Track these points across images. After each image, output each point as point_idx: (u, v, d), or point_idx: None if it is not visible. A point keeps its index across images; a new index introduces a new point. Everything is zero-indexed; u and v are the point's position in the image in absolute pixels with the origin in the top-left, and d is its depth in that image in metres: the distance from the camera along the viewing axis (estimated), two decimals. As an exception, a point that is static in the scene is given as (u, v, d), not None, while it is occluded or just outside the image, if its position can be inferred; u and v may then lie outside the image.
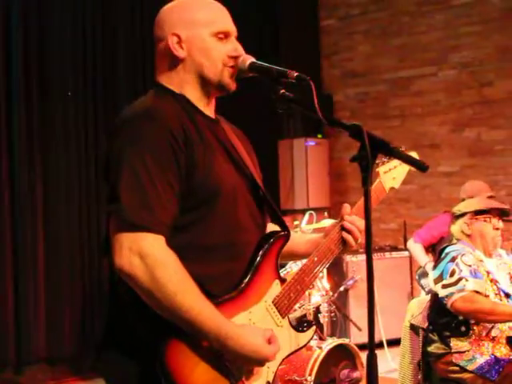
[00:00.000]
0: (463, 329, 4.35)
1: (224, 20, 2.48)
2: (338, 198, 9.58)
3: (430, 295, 4.67)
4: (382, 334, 7.63)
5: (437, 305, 4.46)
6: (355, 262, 8.11)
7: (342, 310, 7.41)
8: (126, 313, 2.30)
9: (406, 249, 7.61)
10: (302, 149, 9.51)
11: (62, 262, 7.30)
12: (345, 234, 2.61)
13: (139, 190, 2.18)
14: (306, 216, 6.51)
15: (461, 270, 4.33)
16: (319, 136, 9.67)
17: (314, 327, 2.61)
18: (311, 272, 2.55)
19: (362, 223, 2.61)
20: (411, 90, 9.46)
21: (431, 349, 4.44)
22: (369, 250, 2.11)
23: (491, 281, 4.40)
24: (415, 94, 9.43)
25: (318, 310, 5.70)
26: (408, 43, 9.46)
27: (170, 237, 2.23)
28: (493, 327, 4.31)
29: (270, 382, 2.41)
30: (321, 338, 5.38)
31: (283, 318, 2.45)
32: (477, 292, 4.28)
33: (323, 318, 5.69)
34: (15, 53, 7.04)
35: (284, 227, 2.54)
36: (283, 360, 2.49)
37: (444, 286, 4.35)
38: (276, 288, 2.45)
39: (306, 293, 5.28)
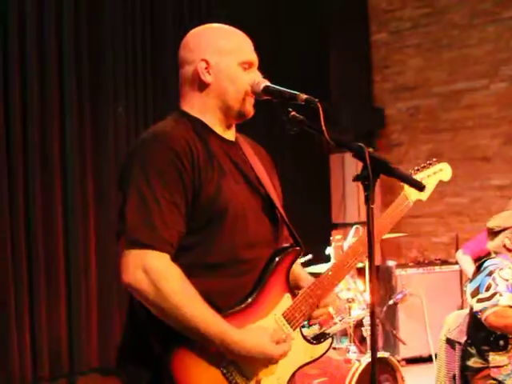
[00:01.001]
0: (502, 343, 4.35)
1: (249, 50, 2.60)
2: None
3: (468, 309, 4.68)
4: (431, 348, 7.61)
5: (475, 319, 4.46)
6: (404, 276, 8.13)
7: (386, 323, 7.42)
8: (139, 325, 2.42)
9: (456, 262, 7.58)
10: (353, 163, 9.55)
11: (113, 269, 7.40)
12: None
13: (144, 210, 2.31)
14: (353, 230, 6.55)
15: (497, 285, 4.33)
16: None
17: (330, 340, 2.70)
18: (324, 286, 2.61)
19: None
20: (462, 104, 9.43)
21: (469, 363, 4.44)
22: (372, 264, 2.18)
23: None
24: (466, 107, 9.40)
25: (360, 324, 5.73)
26: (459, 56, 9.44)
27: (178, 256, 2.35)
28: (531, 342, 4.32)
29: None
30: (361, 352, 5.42)
31: (294, 330, 2.54)
32: (511, 307, 4.28)
33: (366, 332, 5.71)
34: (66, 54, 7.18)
35: (298, 244, 2.62)
36: (294, 372, 2.58)
37: (479, 300, 4.36)
38: (287, 301, 2.54)
39: (346, 306, 5.34)
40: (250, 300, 2.45)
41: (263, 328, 2.43)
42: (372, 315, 2.21)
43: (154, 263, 2.29)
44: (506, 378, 4.29)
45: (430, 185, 3.02)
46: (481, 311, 4.33)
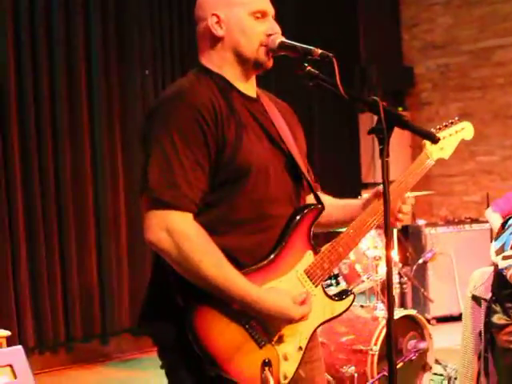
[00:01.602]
0: None
1: (260, 0, 2.55)
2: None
3: (493, 266, 4.67)
4: (461, 307, 7.61)
5: (499, 276, 4.45)
6: (434, 235, 8.11)
7: (415, 281, 7.42)
8: (164, 280, 2.45)
9: (487, 221, 7.53)
10: (382, 122, 9.50)
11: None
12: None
13: (167, 169, 2.33)
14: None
15: None
16: (400, 109, 9.64)
17: (351, 297, 2.67)
18: (346, 244, 2.61)
19: (406, 207, 2.71)
20: (492, 61, 9.34)
21: (494, 320, 4.44)
22: (387, 221, 2.18)
23: None
24: (496, 65, 9.30)
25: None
26: (488, 13, 9.33)
27: (201, 212, 2.38)
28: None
29: (303, 347, 2.52)
30: (388, 309, 5.43)
31: (316, 286, 2.54)
32: None
33: (393, 290, 5.73)
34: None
35: (319, 201, 2.63)
36: (317, 328, 2.59)
37: (504, 258, 4.35)
38: (309, 258, 2.54)
39: (373, 263, 5.35)
40: (272, 256, 2.46)
41: (286, 290, 2.43)
42: (389, 272, 2.20)
43: (177, 223, 2.31)
44: None
45: (452, 143, 2.92)
46: (506, 268, 4.32)
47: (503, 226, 4.56)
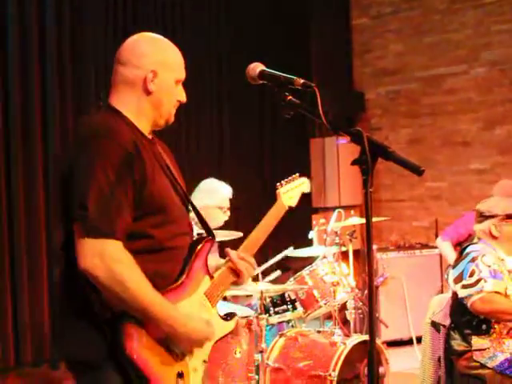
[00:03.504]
0: (484, 327, 4.40)
1: (183, 69, 2.87)
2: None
3: (451, 293, 4.72)
4: (411, 331, 7.69)
5: (458, 303, 4.51)
6: (385, 260, 8.17)
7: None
8: (84, 300, 2.64)
9: (436, 247, 7.63)
10: (333, 147, 9.59)
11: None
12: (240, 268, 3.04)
13: (103, 202, 2.53)
14: (335, 214, 6.59)
15: (480, 271, 4.37)
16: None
17: (236, 318, 3.09)
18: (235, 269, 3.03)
19: (250, 260, 3.09)
20: (443, 88, 9.49)
21: (453, 346, 4.49)
22: (369, 249, 2.20)
23: None
24: (447, 92, 9.45)
25: (344, 307, 5.77)
26: (439, 41, 9.48)
27: (127, 243, 2.61)
28: (514, 326, 4.37)
29: (206, 361, 2.90)
30: (346, 335, 5.45)
31: (213, 307, 2.92)
32: (496, 292, 4.33)
33: (350, 315, 5.76)
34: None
35: (210, 232, 2.98)
36: (215, 343, 2.98)
37: (464, 287, 4.40)
38: (207, 282, 2.91)
39: (331, 289, 5.37)
40: (179, 281, 2.77)
41: (199, 315, 2.79)
42: (370, 298, 2.22)
43: (110, 250, 2.52)
44: (488, 360, 4.35)
45: (297, 194, 3.44)
46: (466, 297, 4.37)
47: (460, 253, 4.62)
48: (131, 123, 2.73)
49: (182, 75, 2.84)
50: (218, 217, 5.51)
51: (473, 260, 4.44)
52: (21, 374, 6.91)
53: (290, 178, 3.46)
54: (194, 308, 2.80)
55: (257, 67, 2.59)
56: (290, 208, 3.40)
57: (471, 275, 4.39)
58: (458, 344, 4.47)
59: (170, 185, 2.79)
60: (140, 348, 2.60)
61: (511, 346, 4.36)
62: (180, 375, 2.73)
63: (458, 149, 9.35)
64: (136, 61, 2.74)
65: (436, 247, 7.62)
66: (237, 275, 3.03)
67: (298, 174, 3.50)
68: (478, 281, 4.35)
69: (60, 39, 7.24)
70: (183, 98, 2.86)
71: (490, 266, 4.38)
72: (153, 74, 2.73)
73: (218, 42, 8.97)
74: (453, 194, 9.43)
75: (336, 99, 9.48)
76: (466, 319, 4.45)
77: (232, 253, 3.03)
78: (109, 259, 2.50)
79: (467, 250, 4.54)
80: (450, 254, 6.97)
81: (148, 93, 2.74)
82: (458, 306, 4.52)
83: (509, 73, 8.93)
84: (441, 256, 8.05)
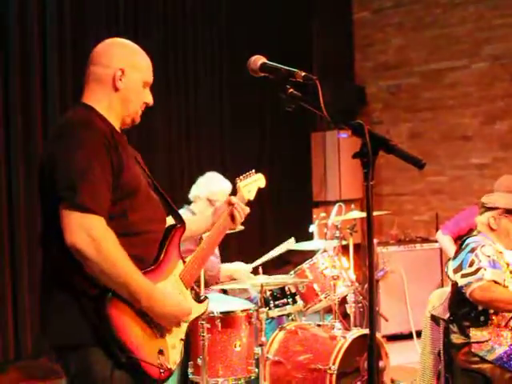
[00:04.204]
0: (482, 319, 4.41)
1: (151, 73, 3.06)
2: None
3: (451, 286, 4.72)
4: (411, 325, 7.69)
5: (457, 295, 4.52)
6: (385, 254, 8.16)
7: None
8: (67, 283, 2.77)
9: (436, 241, 7.63)
10: (334, 141, 9.59)
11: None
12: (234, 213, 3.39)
13: (88, 182, 2.69)
14: (335, 208, 6.59)
15: (480, 261, 4.38)
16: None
17: (207, 301, 3.28)
18: (204, 254, 3.28)
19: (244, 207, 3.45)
20: (443, 83, 9.48)
21: (452, 339, 4.50)
22: (370, 242, 2.20)
23: (511, 272, 4.45)
24: (447, 87, 9.44)
25: (344, 301, 5.77)
26: (440, 35, 9.47)
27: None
28: (512, 318, 4.38)
29: (183, 339, 3.04)
30: (346, 328, 5.46)
31: (187, 289, 3.10)
32: (495, 282, 4.34)
33: (350, 309, 5.75)
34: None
35: (181, 220, 3.12)
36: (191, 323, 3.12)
37: (463, 276, 4.41)
38: (180, 266, 3.08)
39: (331, 283, 5.37)
40: (156, 264, 2.93)
41: (176, 293, 2.97)
42: (370, 292, 2.22)
43: (95, 226, 2.66)
44: (487, 353, 4.35)
45: (254, 188, 3.66)
46: (466, 286, 4.38)
47: (460, 245, 4.63)
48: (103, 117, 2.90)
49: (150, 78, 3.04)
50: (205, 210, 5.49)
51: (472, 250, 4.45)
52: (21, 366, 6.92)
53: (247, 173, 3.69)
54: (170, 289, 2.96)
55: (258, 60, 2.60)
56: (249, 201, 3.63)
57: (471, 265, 4.40)
58: (456, 337, 4.48)
59: (141, 173, 2.98)
60: (124, 323, 2.73)
61: (509, 339, 4.37)
62: (160, 351, 2.87)
63: (459, 143, 9.34)
64: (106, 60, 2.95)
65: (436, 241, 7.61)
66: (232, 220, 3.39)
67: (254, 171, 3.72)
68: (477, 270, 4.36)
69: (61, 39, 7.27)
70: (150, 100, 3.04)
71: (489, 257, 4.39)
72: (121, 72, 2.93)
73: (218, 33, 8.96)
74: (453, 188, 9.43)
75: (337, 93, 9.50)
76: (465, 311, 4.46)
77: (232, 197, 3.43)
78: (96, 234, 2.64)
79: (467, 242, 4.56)
80: (451, 248, 6.96)
81: (116, 89, 2.93)
82: (456, 298, 4.53)
83: (510, 67, 8.91)
84: (441, 250, 8.05)
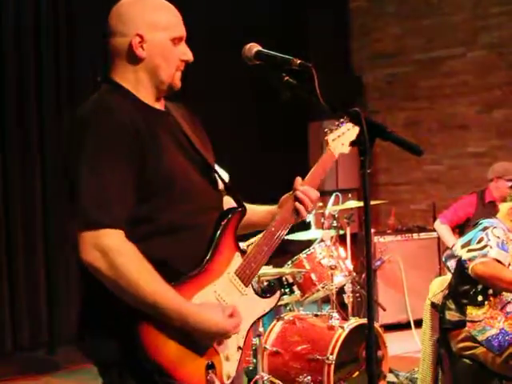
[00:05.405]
0: (480, 298, 4.44)
1: (180, 25, 2.60)
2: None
3: (453, 270, 4.74)
4: (409, 315, 7.68)
5: (459, 273, 4.55)
6: (383, 243, 8.15)
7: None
8: (98, 299, 2.43)
9: (434, 230, 7.63)
10: (331, 130, 9.55)
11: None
12: (297, 205, 2.75)
13: (98, 189, 2.34)
14: (332, 197, 6.57)
15: (489, 239, 4.43)
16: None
17: (277, 293, 2.81)
18: (269, 242, 2.71)
19: (314, 193, 2.79)
20: (440, 71, 9.46)
21: (447, 316, 4.51)
22: (368, 230, 2.17)
23: None
24: (444, 75, 9.43)
25: (342, 291, 5.76)
26: (437, 24, 9.45)
27: (133, 228, 2.40)
28: (509, 303, 4.38)
29: (241, 347, 2.64)
30: (344, 318, 5.45)
31: (246, 286, 2.64)
32: (499, 262, 4.35)
33: (347, 299, 5.75)
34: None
35: (240, 203, 2.72)
36: (251, 326, 2.71)
37: (469, 251, 4.46)
38: (237, 260, 2.63)
39: (329, 273, 5.36)
40: (205, 262, 2.53)
41: (216, 304, 2.52)
42: (368, 282, 2.20)
43: (109, 241, 2.32)
44: (478, 334, 4.38)
45: (346, 142, 2.99)
46: (469, 259, 4.41)
47: (474, 225, 4.67)
48: (133, 96, 2.53)
49: (179, 32, 2.57)
50: None
51: (484, 229, 4.51)
52: (18, 359, 6.91)
53: (337, 122, 3.04)
54: (220, 292, 2.55)
55: (253, 47, 2.53)
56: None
57: (479, 242, 4.45)
58: (452, 315, 4.49)
59: (184, 159, 2.56)
60: (159, 347, 2.38)
61: (502, 323, 4.39)
62: (210, 366, 2.50)
63: (456, 132, 9.33)
64: (121, 28, 2.53)
65: (434, 230, 7.62)
66: (296, 213, 2.76)
67: (345, 118, 2.98)
68: (484, 246, 4.41)
69: (56, 39, 7.25)
70: (188, 56, 2.59)
71: (499, 237, 4.45)
72: (139, 38, 2.50)
73: (212, 21, 8.92)
74: (450, 177, 9.42)
75: (334, 82, 9.45)
76: (464, 288, 4.49)
77: (298, 180, 2.80)
78: (109, 251, 2.30)
79: (481, 221, 4.62)
80: (448, 237, 6.97)
81: (139, 59, 2.53)
82: (458, 276, 4.56)
83: (507, 56, 8.90)
84: (439, 239, 8.05)
